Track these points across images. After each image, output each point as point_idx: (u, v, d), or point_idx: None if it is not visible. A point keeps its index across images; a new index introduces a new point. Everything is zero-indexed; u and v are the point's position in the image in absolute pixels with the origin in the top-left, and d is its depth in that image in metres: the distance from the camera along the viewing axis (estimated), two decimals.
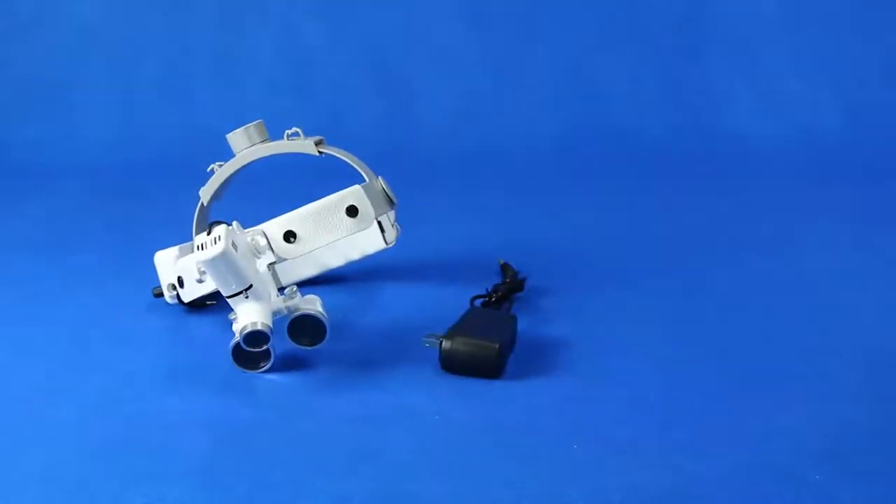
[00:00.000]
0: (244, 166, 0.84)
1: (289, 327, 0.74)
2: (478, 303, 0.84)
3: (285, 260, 0.80)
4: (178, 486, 0.58)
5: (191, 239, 0.84)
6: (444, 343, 0.72)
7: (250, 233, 0.77)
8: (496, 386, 0.71)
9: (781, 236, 1.11)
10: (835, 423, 0.66)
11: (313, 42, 1.62)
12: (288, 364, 0.75)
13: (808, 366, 0.74)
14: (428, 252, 1.02)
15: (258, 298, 0.72)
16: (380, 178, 0.81)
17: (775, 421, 0.66)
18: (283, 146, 0.83)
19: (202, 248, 0.71)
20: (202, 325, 0.84)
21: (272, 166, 0.87)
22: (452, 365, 0.72)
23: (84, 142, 1.54)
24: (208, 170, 0.85)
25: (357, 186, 0.78)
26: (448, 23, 1.62)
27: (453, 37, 1.62)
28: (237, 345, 0.72)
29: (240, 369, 0.73)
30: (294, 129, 0.83)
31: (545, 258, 1.00)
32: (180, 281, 0.81)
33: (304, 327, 0.74)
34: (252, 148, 0.83)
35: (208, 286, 0.78)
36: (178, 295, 0.83)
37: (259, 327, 0.71)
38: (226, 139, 0.83)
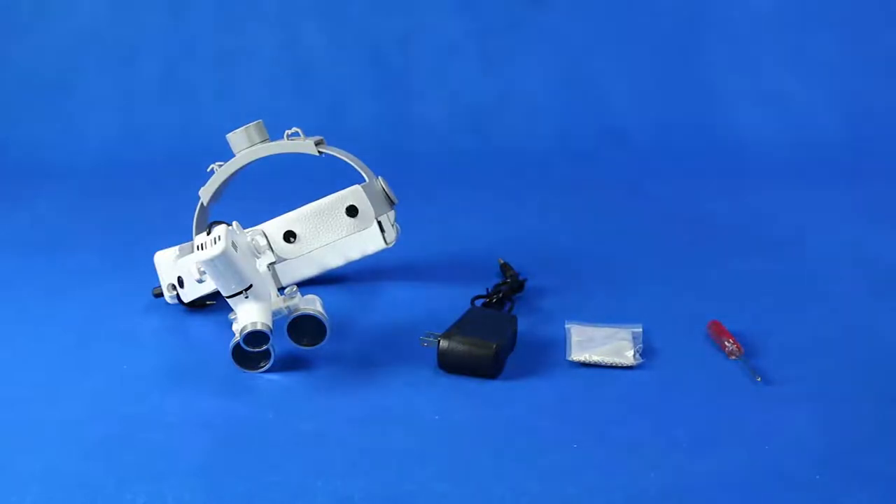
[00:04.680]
0: (244, 166, 0.84)
1: (289, 327, 0.74)
2: (479, 303, 0.84)
3: (285, 260, 0.80)
4: (178, 485, 0.58)
5: (191, 239, 0.84)
6: (441, 342, 0.73)
7: (250, 233, 0.77)
8: (496, 386, 0.71)
9: (781, 235, 1.11)
10: (835, 423, 0.66)
11: (313, 42, 1.62)
12: (288, 364, 0.75)
13: (807, 366, 0.74)
14: (428, 252, 1.02)
15: (258, 298, 0.72)
16: (380, 178, 0.81)
17: (775, 421, 0.66)
18: (283, 146, 0.83)
19: (202, 248, 0.71)
20: (202, 325, 0.84)
21: (272, 166, 0.87)
22: (449, 364, 0.73)
23: (84, 142, 1.53)
24: (208, 170, 0.85)
25: (357, 186, 0.78)
26: (448, 23, 1.62)
27: (453, 37, 1.62)
28: (237, 345, 0.72)
29: (240, 369, 0.73)
30: (294, 129, 0.83)
31: (545, 258, 1.00)
32: (180, 281, 0.82)
33: (304, 327, 0.74)
34: (252, 148, 0.83)
35: (208, 286, 0.78)
36: (178, 295, 0.83)
37: (259, 327, 0.71)
38: (226, 139, 0.83)
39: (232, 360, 0.73)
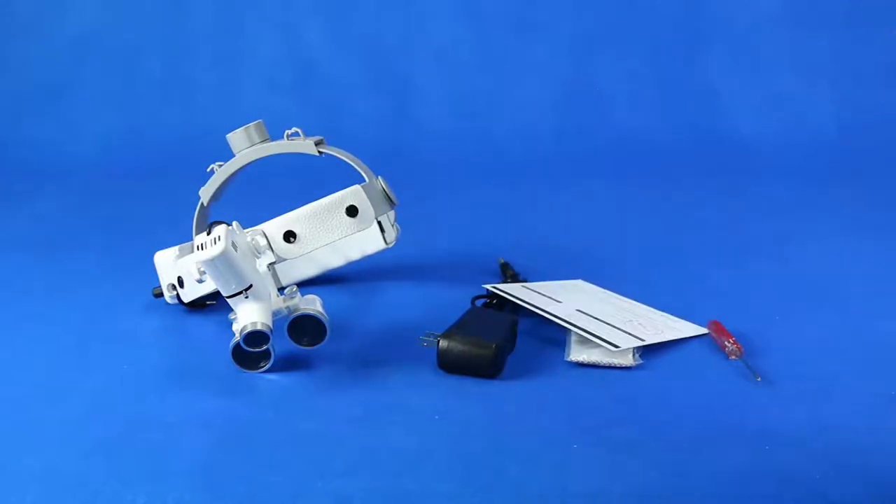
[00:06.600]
0: (244, 166, 0.84)
1: (289, 327, 0.74)
2: (479, 303, 0.84)
3: (285, 260, 0.80)
4: (178, 486, 0.58)
5: (191, 239, 0.84)
6: (440, 342, 0.73)
7: (250, 233, 0.77)
8: (496, 385, 0.71)
9: (780, 235, 1.11)
10: (835, 423, 0.66)
11: (313, 42, 1.62)
12: (288, 364, 0.75)
13: (807, 366, 0.74)
14: (428, 252, 1.02)
15: (258, 298, 0.72)
16: (380, 178, 0.81)
17: (775, 421, 0.66)
18: (283, 146, 0.83)
19: (202, 248, 0.71)
20: (202, 325, 0.84)
21: (272, 166, 0.87)
22: (449, 364, 0.72)
23: (83, 142, 1.54)
24: (208, 170, 0.85)
25: (357, 186, 0.78)
26: (448, 23, 1.62)
27: (453, 37, 1.62)
28: (237, 345, 0.72)
29: (240, 369, 0.73)
30: (294, 129, 0.83)
31: (545, 258, 1.00)
32: (180, 281, 0.82)
33: (304, 327, 0.74)
34: (252, 148, 0.83)
35: (208, 286, 0.78)
36: (178, 295, 0.83)
37: (259, 327, 0.71)
38: (226, 139, 0.83)
39: (232, 360, 0.73)
